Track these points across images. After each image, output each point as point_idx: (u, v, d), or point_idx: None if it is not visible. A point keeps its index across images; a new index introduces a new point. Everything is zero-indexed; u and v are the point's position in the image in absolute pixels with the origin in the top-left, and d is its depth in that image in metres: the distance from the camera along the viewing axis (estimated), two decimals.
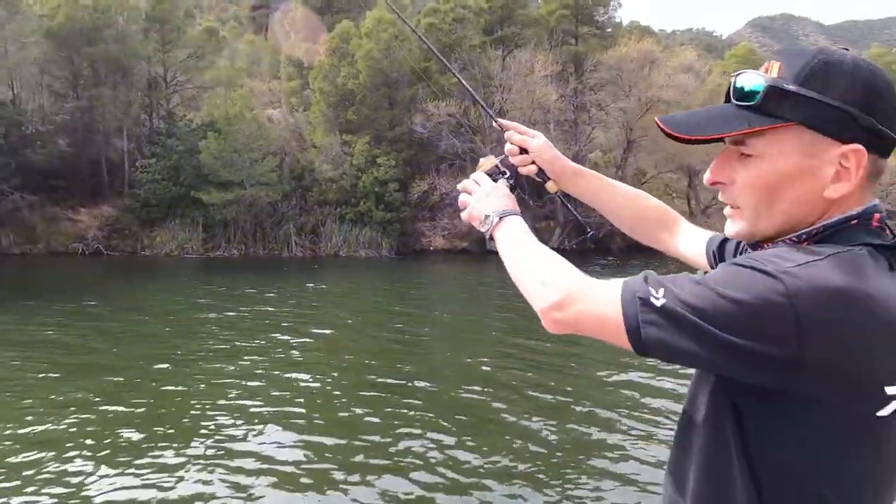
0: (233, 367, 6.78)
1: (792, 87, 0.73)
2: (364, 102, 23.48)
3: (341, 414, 5.37)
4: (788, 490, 0.71)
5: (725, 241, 1.07)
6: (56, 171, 21.67)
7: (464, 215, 1.08)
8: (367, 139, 22.46)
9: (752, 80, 0.77)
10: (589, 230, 1.82)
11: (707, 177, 0.83)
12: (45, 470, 4.18)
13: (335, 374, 6.69)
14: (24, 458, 4.38)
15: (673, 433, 0.89)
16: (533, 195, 25.12)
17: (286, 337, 8.49)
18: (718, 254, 1.08)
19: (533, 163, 1.19)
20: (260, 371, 6.67)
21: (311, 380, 6.38)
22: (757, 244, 0.81)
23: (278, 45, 32.12)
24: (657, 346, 0.70)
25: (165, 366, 6.82)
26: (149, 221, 21.32)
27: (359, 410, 5.37)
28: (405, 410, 5.33)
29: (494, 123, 1.26)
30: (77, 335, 8.50)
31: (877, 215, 0.76)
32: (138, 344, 8.03)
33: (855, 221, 0.74)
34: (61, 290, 13.15)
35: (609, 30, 28.69)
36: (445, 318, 10.93)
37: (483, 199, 1.05)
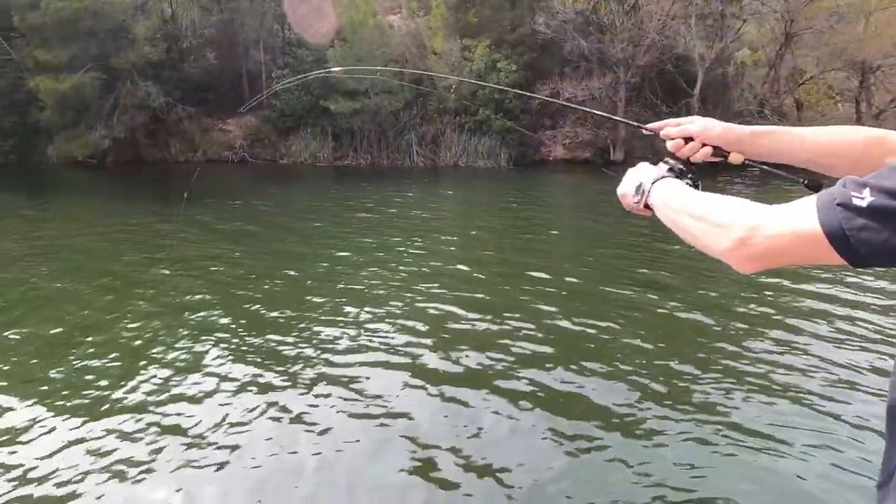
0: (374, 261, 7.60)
1: (879, 201, 0.66)
2: (485, 3, 22.43)
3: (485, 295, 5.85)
4: None
5: None
6: (207, 84, 23.76)
7: (622, 199, 1.01)
8: (488, 42, 21.68)
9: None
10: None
11: None
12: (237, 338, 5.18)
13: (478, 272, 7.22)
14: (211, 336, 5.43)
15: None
16: (666, 100, 23.06)
17: (412, 239, 9.19)
18: None
19: (704, 145, 1.10)
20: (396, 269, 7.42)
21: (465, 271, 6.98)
22: None
23: None
24: (874, 251, 0.64)
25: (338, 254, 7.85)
26: (284, 131, 22.93)
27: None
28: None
29: (644, 130, 1.20)
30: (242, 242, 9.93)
31: None
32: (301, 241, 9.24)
33: None
34: (219, 193, 15.14)
35: None
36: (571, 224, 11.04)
37: (633, 175, 1.00)
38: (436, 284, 6.66)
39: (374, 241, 9.13)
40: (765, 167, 1.12)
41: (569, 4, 21.49)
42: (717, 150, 1.10)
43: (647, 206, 0.95)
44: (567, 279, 6.92)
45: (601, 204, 13.33)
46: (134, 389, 4.28)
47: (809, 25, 22.62)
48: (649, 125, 1.17)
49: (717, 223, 0.77)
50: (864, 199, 0.65)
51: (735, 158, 1.11)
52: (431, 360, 4.70)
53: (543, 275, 7.04)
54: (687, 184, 1.03)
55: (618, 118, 1.44)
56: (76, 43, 20.53)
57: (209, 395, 4.20)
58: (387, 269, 7.53)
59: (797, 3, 21.78)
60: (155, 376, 4.48)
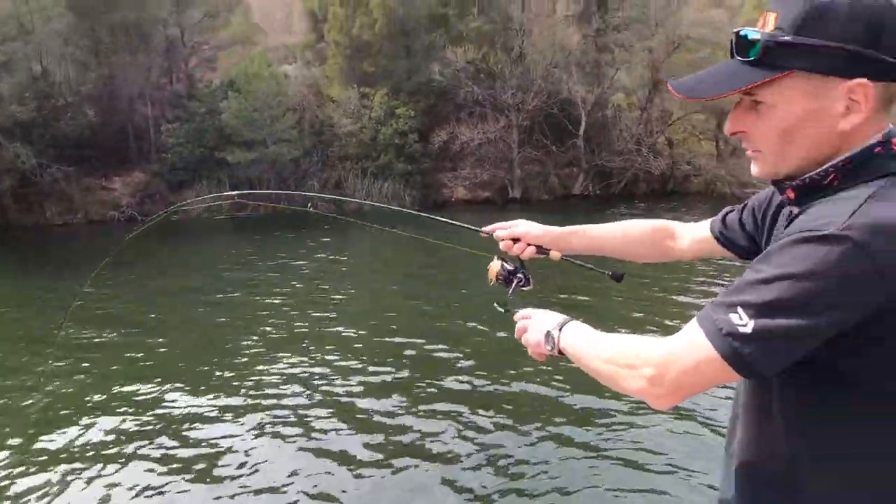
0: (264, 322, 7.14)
1: (788, 38, 0.76)
2: (381, 53, 23.15)
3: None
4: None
5: (726, 215, 1.16)
6: (87, 141, 22.22)
7: (530, 350, 1.06)
8: (385, 90, 22.25)
9: (750, 36, 0.79)
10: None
11: (727, 127, 0.88)
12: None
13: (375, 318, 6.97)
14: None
15: None
16: (555, 141, 24.69)
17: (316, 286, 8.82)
18: (724, 229, 1.15)
19: (529, 244, 1.27)
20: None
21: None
22: (780, 182, 0.86)
23: None
24: (773, 365, 0.72)
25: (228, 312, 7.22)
26: (177, 184, 21.81)
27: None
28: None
29: (482, 233, 1.34)
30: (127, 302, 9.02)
31: (895, 141, 0.78)
32: (194, 302, 8.50)
33: (878, 149, 0.78)
34: (90, 258, 13.83)
35: None
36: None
37: (537, 323, 1.04)
38: (348, 328, 6.38)
39: (282, 290, 8.68)
40: (577, 263, 1.29)
41: (460, 55, 22.70)
42: (540, 249, 1.27)
43: (559, 353, 0.99)
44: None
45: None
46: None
47: (671, 74, 25.45)
48: (485, 228, 1.33)
49: (626, 364, 0.82)
50: (747, 324, 0.71)
51: (554, 255, 1.27)
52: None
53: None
54: (519, 279, 1.25)
55: (457, 223, 1.44)
56: None
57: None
58: (297, 319, 7.13)
59: (659, 54, 24.52)
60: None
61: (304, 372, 5.26)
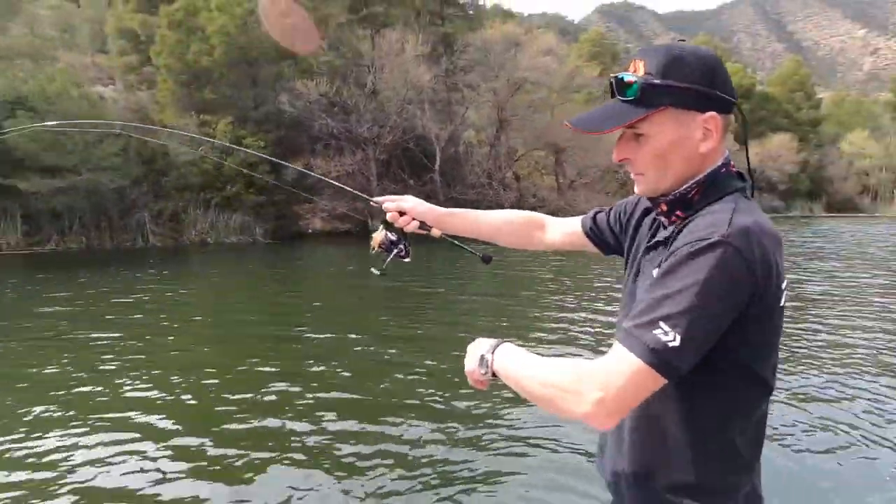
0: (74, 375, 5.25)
1: (658, 81, 0.93)
2: (222, 81, 21.23)
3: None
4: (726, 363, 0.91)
5: (596, 214, 1.34)
6: None
7: (470, 380, 1.06)
8: (230, 119, 20.31)
9: (628, 80, 0.95)
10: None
11: (615, 156, 1.01)
12: None
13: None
14: None
15: None
16: (412, 175, 24.71)
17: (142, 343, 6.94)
18: (595, 227, 1.32)
19: (413, 219, 1.41)
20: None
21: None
22: (656, 198, 1.01)
23: (100, 13, 28.00)
24: (693, 363, 0.85)
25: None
26: None
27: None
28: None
29: (371, 203, 1.48)
30: None
31: (731, 164, 1.00)
32: None
33: (724, 169, 0.98)
34: None
35: (472, 12, 29.29)
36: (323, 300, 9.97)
37: (472, 349, 1.06)
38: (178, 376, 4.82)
39: (87, 336, 6.59)
40: (454, 241, 1.45)
41: (312, 87, 21.77)
42: (423, 225, 1.40)
43: (494, 375, 1.01)
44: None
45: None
46: None
47: (514, 113, 27.41)
48: (375, 198, 1.47)
49: (567, 389, 0.86)
50: (674, 338, 0.82)
51: (435, 233, 1.42)
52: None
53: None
54: (399, 249, 1.42)
55: (350, 189, 1.63)
56: None
57: None
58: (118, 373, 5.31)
59: (504, 95, 26.27)
60: None
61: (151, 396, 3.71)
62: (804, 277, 9.91)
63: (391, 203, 1.41)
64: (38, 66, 19.67)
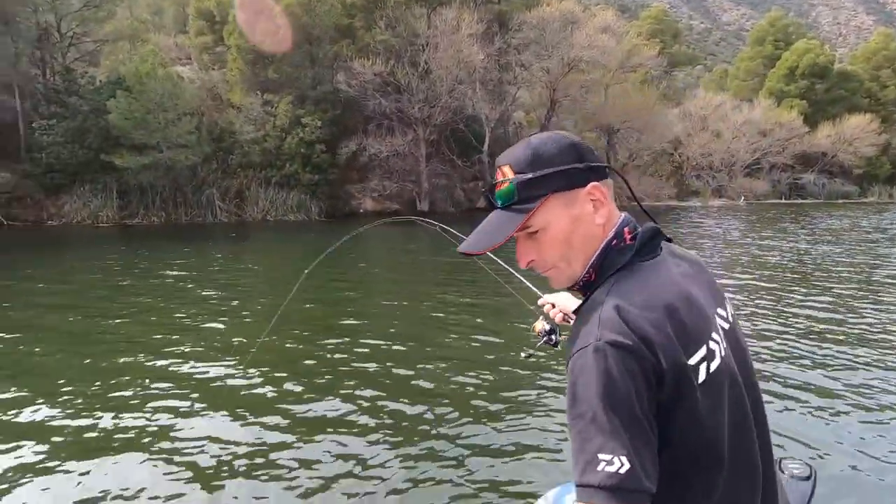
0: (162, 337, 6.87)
1: (531, 175, 0.95)
2: (285, 60, 22.64)
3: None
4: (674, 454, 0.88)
5: None
6: None
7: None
8: (290, 98, 21.79)
9: (504, 187, 0.97)
10: None
11: (520, 264, 1.02)
12: None
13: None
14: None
15: None
16: (461, 155, 25.59)
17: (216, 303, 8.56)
18: None
19: (560, 311, 1.54)
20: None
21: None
22: (573, 287, 1.02)
23: None
24: (652, 469, 0.82)
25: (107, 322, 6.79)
26: (53, 188, 19.86)
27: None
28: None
29: (538, 304, 1.62)
30: None
31: (626, 230, 0.98)
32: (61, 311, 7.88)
33: (615, 242, 0.97)
34: None
35: None
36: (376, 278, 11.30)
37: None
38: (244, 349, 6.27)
39: (178, 302, 8.30)
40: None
41: (368, 67, 22.80)
42: (567, 316, 1.55)
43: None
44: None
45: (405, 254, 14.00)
46: None
47: (566, 94, 27.42)
48: (540, 300, 1.61)
49: None
50: (621, 463, 0.79)
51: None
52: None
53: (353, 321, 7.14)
54: (550, 338, 1.54)
55: (521, 277, 1.74)
56: None
57: None
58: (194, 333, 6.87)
59: (556, 74, 26.30)
60: None
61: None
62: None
63: (549, 300, 1.55)
64: (134, 48, 21.74)
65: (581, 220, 0.96)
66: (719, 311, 1.00)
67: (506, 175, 0.97)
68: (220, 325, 6.71)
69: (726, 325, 1.00)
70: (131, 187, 19.74)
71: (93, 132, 19.45)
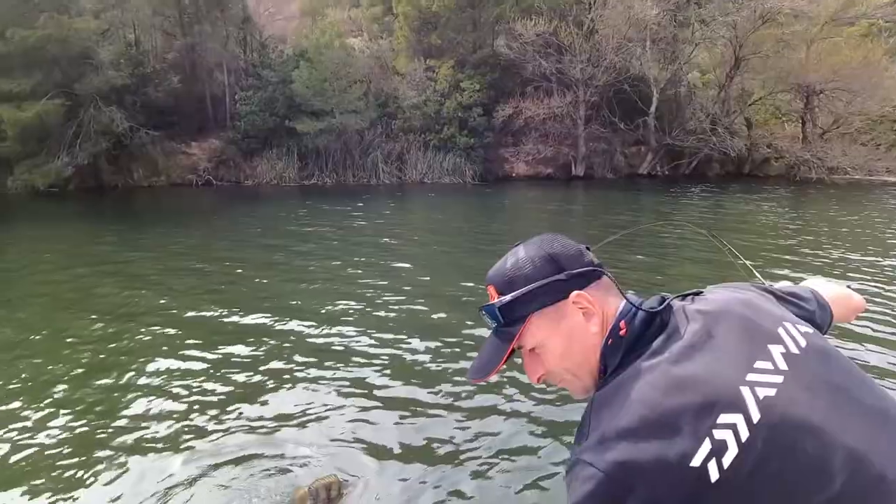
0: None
1: (508, 298, 0.91)
2: (448, 25, 23.06)
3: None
4: None
5: None
6: (170, 108, 23.54)
7: None
8: (451, 63, 22.21)
9: (490, 311, 0.94)
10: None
11: (532, 380, 0.97)
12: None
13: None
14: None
15: None
16: (624, 118, 23.88)
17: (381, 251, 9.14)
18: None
19: None
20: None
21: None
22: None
23: None
24: None
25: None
26: (249, 152, 22.81)
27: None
28: None
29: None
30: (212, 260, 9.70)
31: (622, 323, 0.89)
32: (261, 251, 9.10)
33: (609, 342, 0.88)
34: (185, 216, 14.83)
35: None
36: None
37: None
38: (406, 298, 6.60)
39: (354, 254, 9.10)
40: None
41: (529, 27, 22.22)
42: None
43: None
44: None
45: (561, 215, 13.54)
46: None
47: (756, 51, 23.87)
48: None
49: None
50: None
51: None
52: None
53: None
54: None
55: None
56: (39, 70, 20.21)
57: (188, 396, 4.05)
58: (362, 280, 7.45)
59: (745, 30, 23.00)
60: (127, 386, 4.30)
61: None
62: None
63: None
64: (314, 23, 23.98)
65: (574, 333, 0.91)
66: (759, 364, 0.79)
67: (491, 297, 0.95)
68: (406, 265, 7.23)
69: (778, 377, 0.78)
70: (309, 151, 21.90)
71: (280, 101, 21.88)
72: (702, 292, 0.94)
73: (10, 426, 3.67)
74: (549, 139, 22.98)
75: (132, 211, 16.97)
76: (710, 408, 0.75)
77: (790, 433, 0.73)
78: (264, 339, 5.11)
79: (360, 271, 7.67)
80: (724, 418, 0.74)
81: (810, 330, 0.87)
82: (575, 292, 0.90)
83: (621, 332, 0.88)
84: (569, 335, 0.91)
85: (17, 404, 3.97)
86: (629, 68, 23.01)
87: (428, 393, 4.01)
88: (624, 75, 22.92)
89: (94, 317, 5.86)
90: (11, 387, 4.25)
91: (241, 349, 4.88)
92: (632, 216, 13.08)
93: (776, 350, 0.81)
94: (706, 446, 0.73)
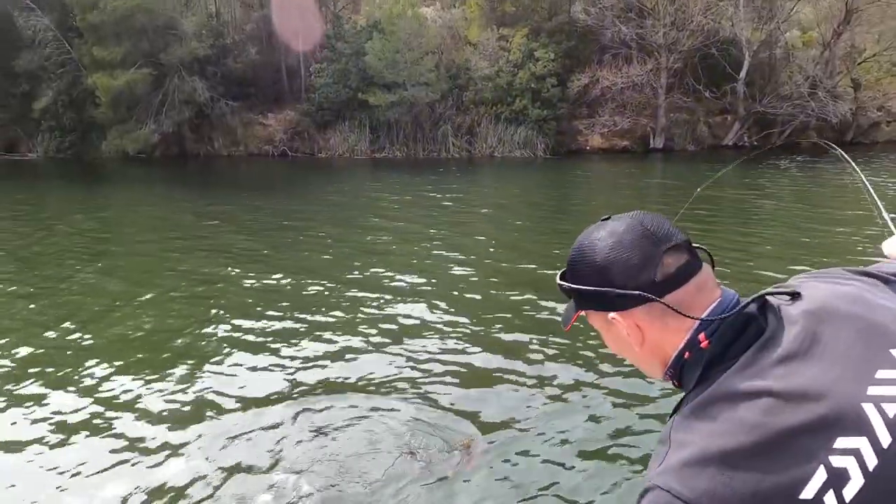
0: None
1: (565, 285, 0.86)
2: None
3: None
4: None
5: None
6: (248, 79, 24.38)
7: None
8: (525, 31, 21.43)
9: (558, 280, 0.89)
10: None
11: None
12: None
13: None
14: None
15: None
16: (710, 85, 22.30)
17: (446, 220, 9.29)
18: None
19: None
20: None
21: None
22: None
23: None
24: None
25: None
26: (322, 125, 23.32)
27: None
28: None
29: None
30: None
31: (702, 336, 0.76)
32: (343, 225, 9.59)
33: (687, 354, 0.77)
34: (265, 184, 15.65)
35: None
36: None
37: None
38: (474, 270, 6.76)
39: (423, 225, 9.47)
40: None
41: None
42: None
43: None
44: None
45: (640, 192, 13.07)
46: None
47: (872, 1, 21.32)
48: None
49: None
50: None
51: None
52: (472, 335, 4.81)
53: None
54: None
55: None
56: (129, 40, 21.47)
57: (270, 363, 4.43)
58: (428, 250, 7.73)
59: None
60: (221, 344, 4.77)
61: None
62: None
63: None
64: None
65: (622, 344, 0.85)
66: (881, 374, 0.63)
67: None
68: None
69: None
70: (380, 123, 22.09)
71: (353, 73, 22.07)
72: (794, 287, 0.77)
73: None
74: (627, 110, 21.88)
75: (218, 178, 18.08)
76: (825, 429, 0.61)
77: None
78: (345, 306, 5.69)
79: (438, 243, 7.95)
80: (843, 442, 0.60)
81: None
82: (611, 315, 0.81)
83: (702, 345, 0.75)
84: (616, 342, 0.86)
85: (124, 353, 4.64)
86: (718, 30, 21.30)
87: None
88: (712, 38, 21.26)
89: (192, 275, 6.85)
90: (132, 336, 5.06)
91: (329, 317, 5.37)
92: (734, 190, 12.51)
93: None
94: (820, 475, 0.59)
